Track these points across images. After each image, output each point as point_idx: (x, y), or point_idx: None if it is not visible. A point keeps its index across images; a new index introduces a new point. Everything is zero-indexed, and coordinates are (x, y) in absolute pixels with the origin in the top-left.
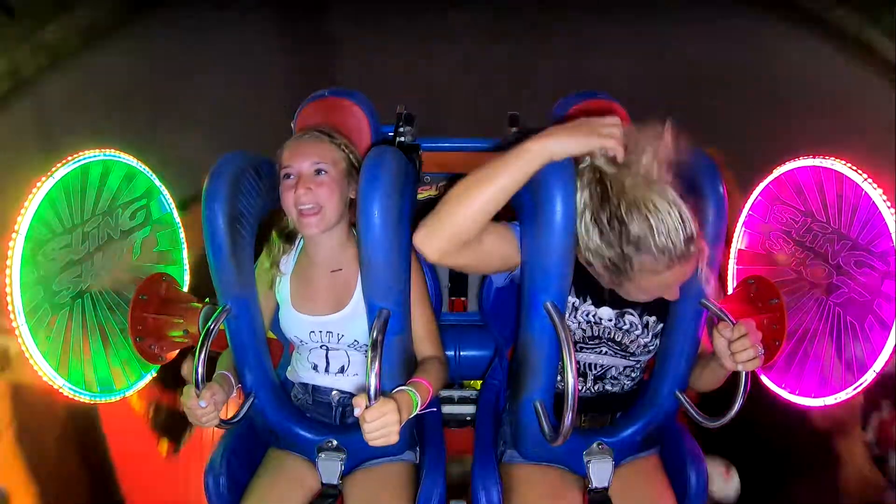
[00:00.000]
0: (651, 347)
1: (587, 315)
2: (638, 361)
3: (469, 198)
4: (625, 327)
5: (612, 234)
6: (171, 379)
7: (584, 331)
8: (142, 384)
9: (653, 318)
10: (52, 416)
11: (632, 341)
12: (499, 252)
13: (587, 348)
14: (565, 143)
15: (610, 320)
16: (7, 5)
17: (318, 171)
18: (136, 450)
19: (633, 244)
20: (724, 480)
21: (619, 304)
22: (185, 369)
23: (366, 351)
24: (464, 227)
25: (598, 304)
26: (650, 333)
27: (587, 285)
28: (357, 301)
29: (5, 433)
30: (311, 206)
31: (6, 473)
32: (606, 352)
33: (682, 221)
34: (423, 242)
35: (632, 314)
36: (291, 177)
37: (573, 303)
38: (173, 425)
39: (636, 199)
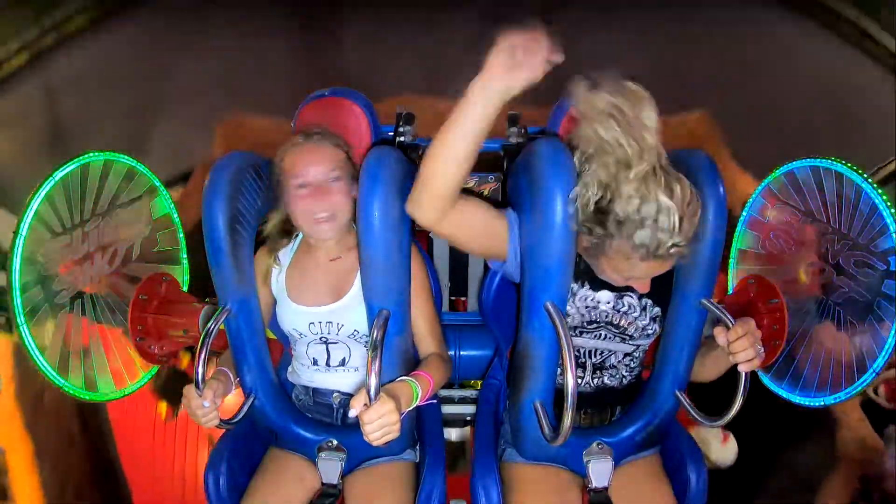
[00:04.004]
0: (650, 332)
1: (585, 299)
2: (637, 347)
3: (435, 155)
4: (623, 309)
5: (603, 204)
6: None
7: (582, 315)
8: (142, 384)
9: (649, 301)
10: None
11: (629, 323)
12: (490, 232)
13: (587, 333)
14: (506, 80)
15: (608, 303)
16: None
17: (333, 179)
18: (134, 411)
19: (616, 224)
20: (721, 445)
21: (617, 287)
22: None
23: (366, 343)
24: (440, 182)
25: (596, 289)
26: (648, 316)
27: (585, 270)
28: (357, 290)
29: (5, 389)
30: (327, 213)
31: (3, 429)
32: (606, 336)
33: (676, 227)
34: (411, 208)
35: (630, 296)
36: (305, 186)
37: (571, 287)
38: (173, 388)
39: (642, 186)
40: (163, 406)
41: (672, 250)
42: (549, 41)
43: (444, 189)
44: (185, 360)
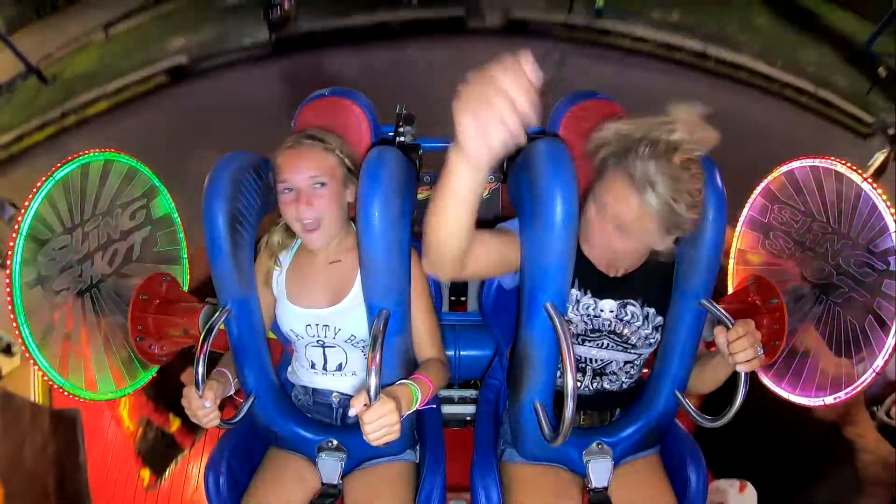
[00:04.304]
0: (652, 340)
1: (588, 308)
2: (638, 355)
3: (437, 225)
4: (626, 318)
5: (619, 127)
6: (165, 399)
7: (585, 324)
8: (142, 384)
9: (652, 311)
10: (38, 429)
11: (632, 332)
12: (505, 257)
13: (589, 341)
14: (480, 146)
15: (612, 311)
16: (42, 75)
17: (317, 184)
18: (115, 476)
19: (625, 140)
20: (738, 494)
21: (621, 294)
22: (186, 377)
23: (363, 347)
24: (450, 247)
25: (599, 297)
26: (650, 325)
27: (589, 278)
28: (356, 294)
29: None
30: (312, 220)
31: None
32: (608, 345)
33: (679, 180)
34: (430, 270)
35: (633, 305)
36: (290, 191)
37: (575, 296)
38: (160, 454)
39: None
40: (145, 473)
41: (665, 205)
42: (522, 75)
43: (457, 250)
44: (175, 424)
